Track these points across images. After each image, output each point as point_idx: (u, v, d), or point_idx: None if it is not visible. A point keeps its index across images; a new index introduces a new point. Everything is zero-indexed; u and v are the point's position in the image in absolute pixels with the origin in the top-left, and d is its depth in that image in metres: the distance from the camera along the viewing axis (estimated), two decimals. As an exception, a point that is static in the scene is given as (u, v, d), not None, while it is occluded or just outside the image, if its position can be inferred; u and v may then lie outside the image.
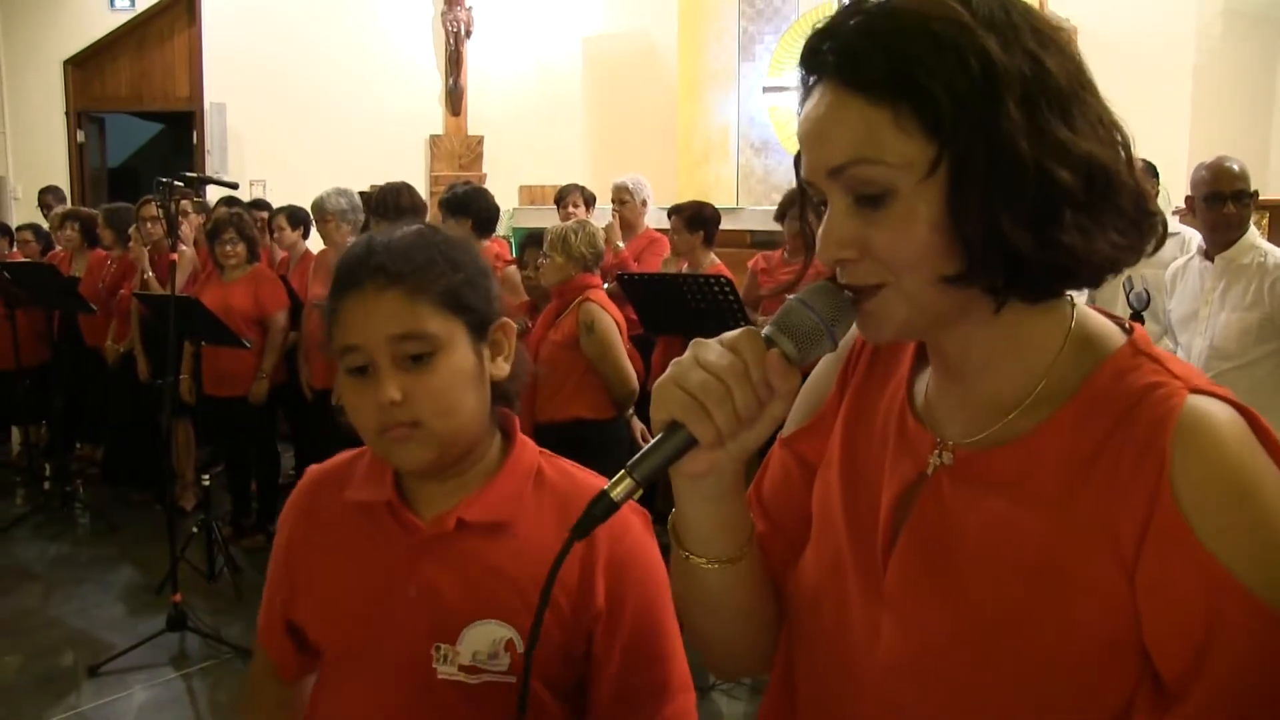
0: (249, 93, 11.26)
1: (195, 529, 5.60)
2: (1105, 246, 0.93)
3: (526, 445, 1.49)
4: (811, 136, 0.96)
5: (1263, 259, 4.04)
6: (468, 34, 12.11)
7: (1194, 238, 4.72)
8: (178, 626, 4.76)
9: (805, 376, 1.10)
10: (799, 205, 1.05)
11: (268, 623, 1.56)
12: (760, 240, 8.40)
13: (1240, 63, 10.65)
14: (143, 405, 6.67)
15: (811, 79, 0.98)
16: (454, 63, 12.13)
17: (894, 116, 0.91)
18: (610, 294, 4.98)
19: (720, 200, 7.06)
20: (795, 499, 1.18)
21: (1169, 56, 9.99)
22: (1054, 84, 0.91)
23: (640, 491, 0.98)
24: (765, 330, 0.98)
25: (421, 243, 1.40)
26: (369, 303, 1.34)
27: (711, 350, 0.96)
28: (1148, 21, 9.94)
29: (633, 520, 1.44)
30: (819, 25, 0.98)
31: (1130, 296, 3.66)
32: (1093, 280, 0.97)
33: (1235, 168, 4.05)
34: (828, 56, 0.95)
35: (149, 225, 6.57)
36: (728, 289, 5.02)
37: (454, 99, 12.22)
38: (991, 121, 0.89)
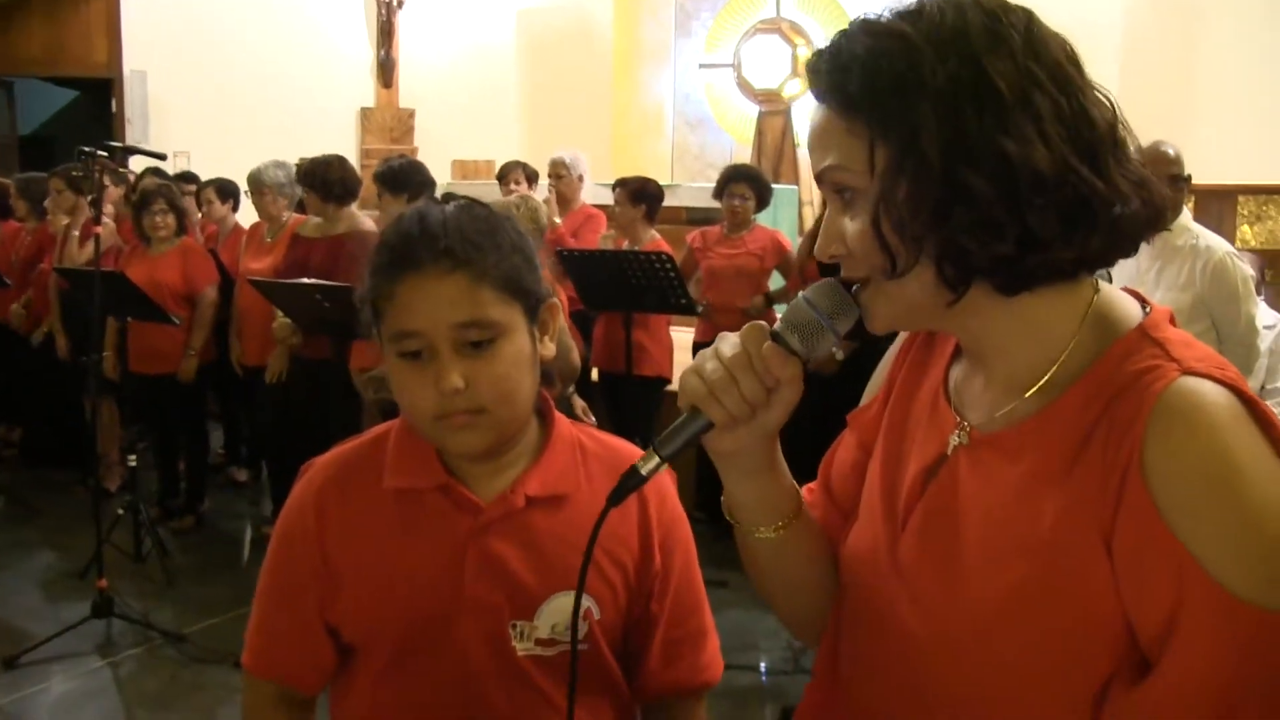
0: (171, 60, 10.96)
1: (121, 511, 5.39)
2: (1005, 249, 0.97)
3: (561, 419, 1.50)
4: (809, 142, 1.08)
5: (1195, 241, 4.12)
6: (399, 4, 11.95)
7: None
8: (103, 613, 4.59)
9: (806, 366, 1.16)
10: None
11: (284, 634, 1.47)
12: (696, 217, 8.36)
13: (1165, 49, 10.79)
14: (63, 384, 6.49)
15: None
16: (385, 34, 11.96)
17: (848, 127, 1.02)
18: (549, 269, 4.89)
19: (655, 176, 7.00)
20: (853, 479, 1.27)
21: (1097, 42, 10.09)
22: (992, 89, 0.96)
23: (666, 465, 1.11)
24: (775, 326, 1.10)
25: (479, 221, 1.36)
26: (431, 287, 1.31)
27: (727, 343, 1.09)
28: (1077, 6, 10.03)
29: (667, 480, 1.49)
30: (822, 49, 1.07)
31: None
32: (1024, 284, 1.01)
33: (1171, 152, 4.13)
34: (822, 74, 1.05)
35: (59, 196, 6.38)
36: (668, 265, 5.02)
37: (385, 71, 12.06)
38: (908, 129, 0.97)
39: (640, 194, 5.85)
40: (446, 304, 1.30)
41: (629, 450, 1.51)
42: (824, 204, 1.19)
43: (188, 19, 10.96)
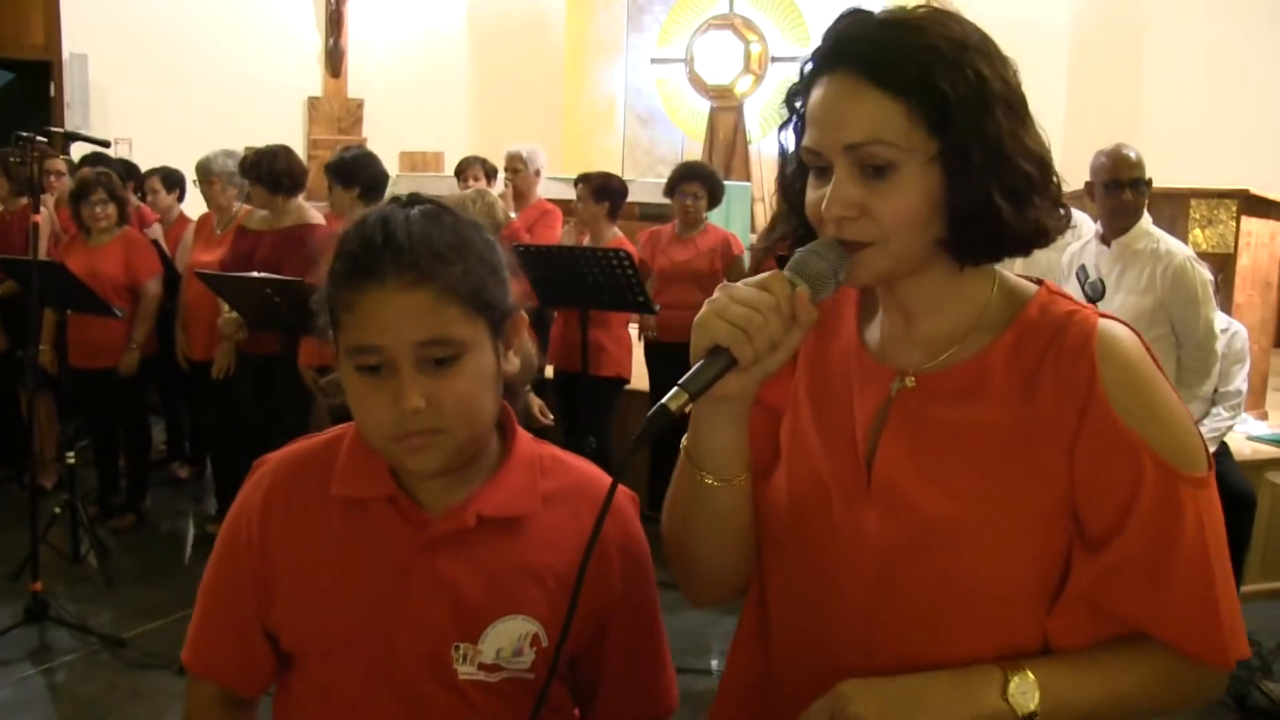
0: (113, 44, 10.74)
1: (58, 510, 5.21)
2: (1053, 222, 1.23)
3: (523, 435, 1.44)
4: (831, 115, 1.20)
5: (1155, 245, 4.14)
6: (349, -9, 11.79)
7: (1084, 222, 4.83)
8: (37, 617, 4.45)
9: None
10: (792, 172, 1.31)
11: (222, 635, 1.43)
12: (648, 213, 8.32)
13: (1113, 53, 10.90)
14: (-3, 377, 6.31)
15: (825, 69, 1.22)
16: (334, 22, 11.82)
17: (906, 109, 1.17)
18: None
19: (606, 171, 6.96)
20: (759, 437, 1.35)
21: (1046, 47, 10.17)
22: (1016, 99, 1.21)
23: (691, 403, 1.16)
24: (786, 274, 1.19)
25: (446, 231, 1.29)
26: (393, 302, 1.24)
27: (743, 290, 1.18)
28: (1025, 8, 10.09)
29: (626, 502, 1.48)
30: (838, 28, 1.23)
31: (1085, 286, 3.70)
32: (1025, 250, 1.24)
33: (1133, 155, 4.15)
34: (855, 48, 1.19)
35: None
36: (626, 262, 4.95)
37: (334, 60, 11.92)
38: (984, 123, 1.17)
39: (603, 190, 5.77)
40: (409, 320, 1.24)
41: (591, 472, 1.48)
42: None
43: (131, 3, 10.75)
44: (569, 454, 1.50)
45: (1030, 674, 1.18)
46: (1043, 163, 1.21)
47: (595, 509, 1.37)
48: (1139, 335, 1.23)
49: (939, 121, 1.17)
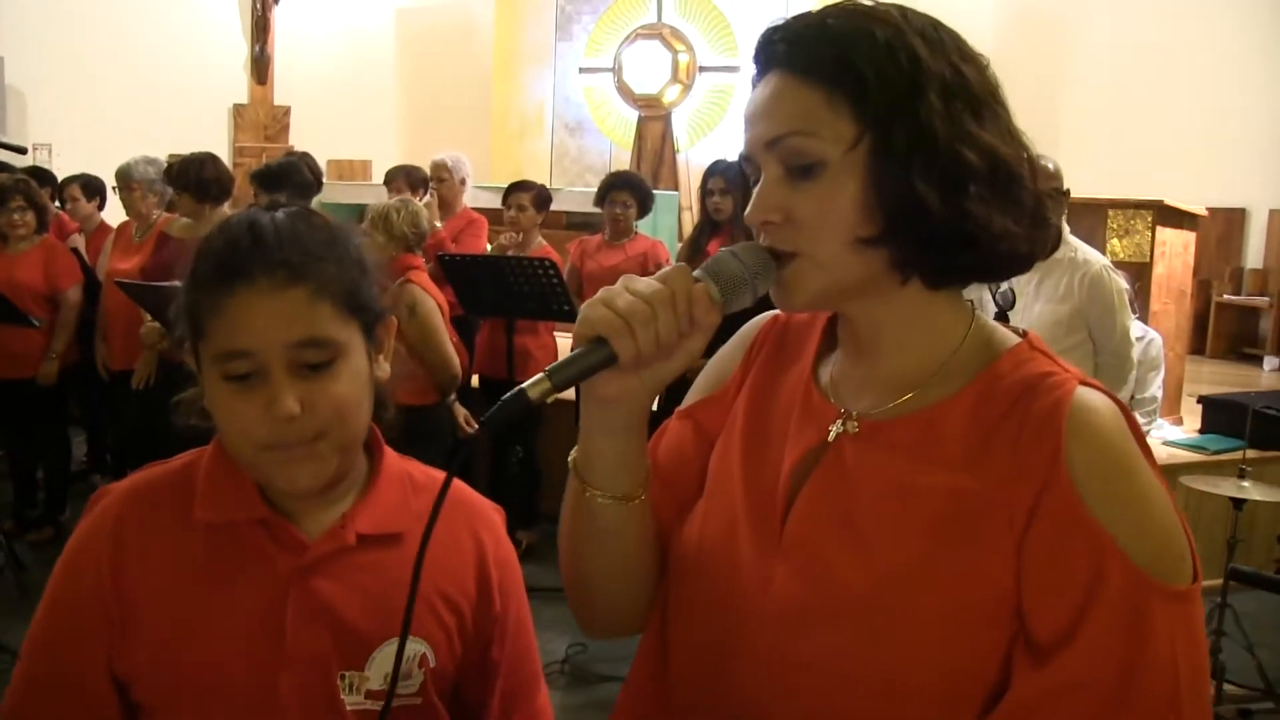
0: (31, 46, 10.56)
1: (-28, 523, 5.14)
2: (1001, 225, 1.05)
3: (389, 451, 1.38)
4: (755, 115, 1.10)
5: (1074, 254, 4.21)
6: (275, -1, 11.69)
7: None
8: (-50, 633, 4.36)
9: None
10: (739, 181, 1.22)
11: (56, 689, 1.27)
12: (576, 222, 8.36)
13: (1033, 63, 11.09)
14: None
15: (761, 71, 1.12)
16: (261, 28, 11.71)
17: (828, 97, 1.05)
18: (430, 275, 4.82)
19: (534, 179, 6.98)
20: (688, 465, 1.26)
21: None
22: (970, 89, 1.07)
23: (555, 394, 1.03)
24: (695, 272, 1.07)
25: (317, 231, 1.24)
26: (264, 303, 1.18)
27: (640, 280, 1.05)
28: (947, 18, 10.24)
29: (497, 519, 1.44)
30: (774, 25, 1.12)
31: (996, 296, 3.75)
32: (992, 270, 1.10)
33: (1051, 166, 4.19)
34: (779, 48, 1.09)
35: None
36: (551, 271, 4.98)
37: (260, 67, 11.81)
38: (913, 106, 1.03)
39: (542, 199, 5.81)
40: (281, 321, 1.18)
41: (466, 493, 1.42)
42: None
43: (50, 4, 10.57)
44: (430, 469, 1.42)
45: None
46: (996, 156, 1.05)
47: (471, 525, 1.38)
48: (1125, 410, 1.06)
49: (861, 102, 1.04)
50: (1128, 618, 0.97)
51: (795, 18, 1.11)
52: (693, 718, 1.18)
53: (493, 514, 1.43)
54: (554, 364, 1.03)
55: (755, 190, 1.10)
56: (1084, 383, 1.05)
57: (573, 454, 1.16)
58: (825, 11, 1.09)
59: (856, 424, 1.13)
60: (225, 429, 1.23)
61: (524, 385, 1.01)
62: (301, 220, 1.25)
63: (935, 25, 1.09)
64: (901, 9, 1.09)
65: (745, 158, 1.13)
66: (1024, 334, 1.14)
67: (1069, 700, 0.97)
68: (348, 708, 1.26)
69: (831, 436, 1.14)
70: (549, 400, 1.03)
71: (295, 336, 1.18)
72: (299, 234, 1.22)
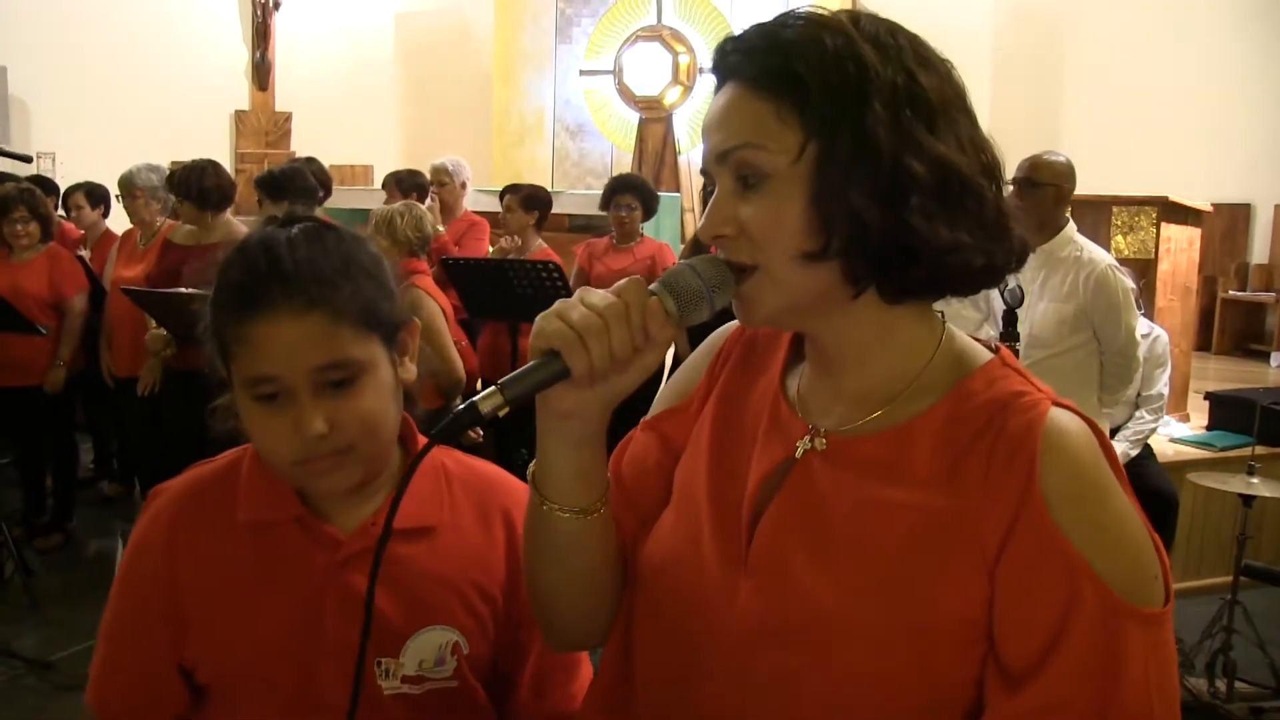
0: (33, 56, 10.58)
1: (-20, 531, 5.14)
2: (950, 239, 1.03)
3: (424, 444, 1.39)
4: (709, 127, 1.09)
5: (1079, 253, 4.15)
6: (276, 5, 11.72)
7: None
8: (-41, 640, 4.37)
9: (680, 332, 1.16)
10: (701, 195, 1.17)
11: (128, 674, 1.39)
12: (578, 224, 8.35)
13: (1034, 61, 11.10)
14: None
15: (719, 82, 1.10)
16: (261, 35, 11.73)
17: (776, 108, 1.03)
18: (433, 278, 4.82)
19: (535, 183, 6.99)
20: (652, 478, 1.25)
21: (968, 55, 10.30)
22: (925, 97, 1.03)
23: (506, 409, 1.02)
24: (652, 286, 1.06)
25: (330, 253, 1.27)
26: (285, 330, 1.22)
27: (595, 294, 1.04)
28: (947, 16, 10.25)
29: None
30: (729, 36, 1.11)
31: (1004, 294, 3.73)
32: (947, 284, 1.08)
33: (1031, 160, 4.20)
34: (732, 59, 1.08)
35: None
36: (555, 274, 4.97)
37: (261, 73, 11.83)
38: (858, 114, 1.01)
39: (532, 200, 5.81)
40: (304, 347, 1.22)
41: (494, 473, 1.47)
42: (701, 205, 1.20)
43: (51, 13, 10.61)
44: (469, 457, 1.47)
45: None
46: (945, 167, 1.02)
47: (503, 506, 1.41)
48: (1097, 431, 1.05)
49: (805, 112, 1.02)
50: (1103, 641, 0.97)
51: (752, 28, 1.09)
52: None
53: (523, 493, 1.42)
54: (507, 377, 1.02)
55: (710, 203, 1.08)
56: (1057, 403, 1.04)
57: (531, 466, 1.15)
58: (780, 20, 1.07)
59: (825, 440, 1.11)
60: (258, 445, 1.29)
61: (475, 399, 1.01)
62: (316, 241, 1.28)
63: (893, 31, 1.06)
64: (855, 15, 1.07)
65: (703, 173, 1.11)
66: (996, 349, 1.13)
67: None
68: (385, 693, 1.33)
69: (799, 453, 1.12)
70: (501, 414, 1.02)
71: (318, 361, 1.23)
72: (314, 259, 1.25)
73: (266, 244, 1.26)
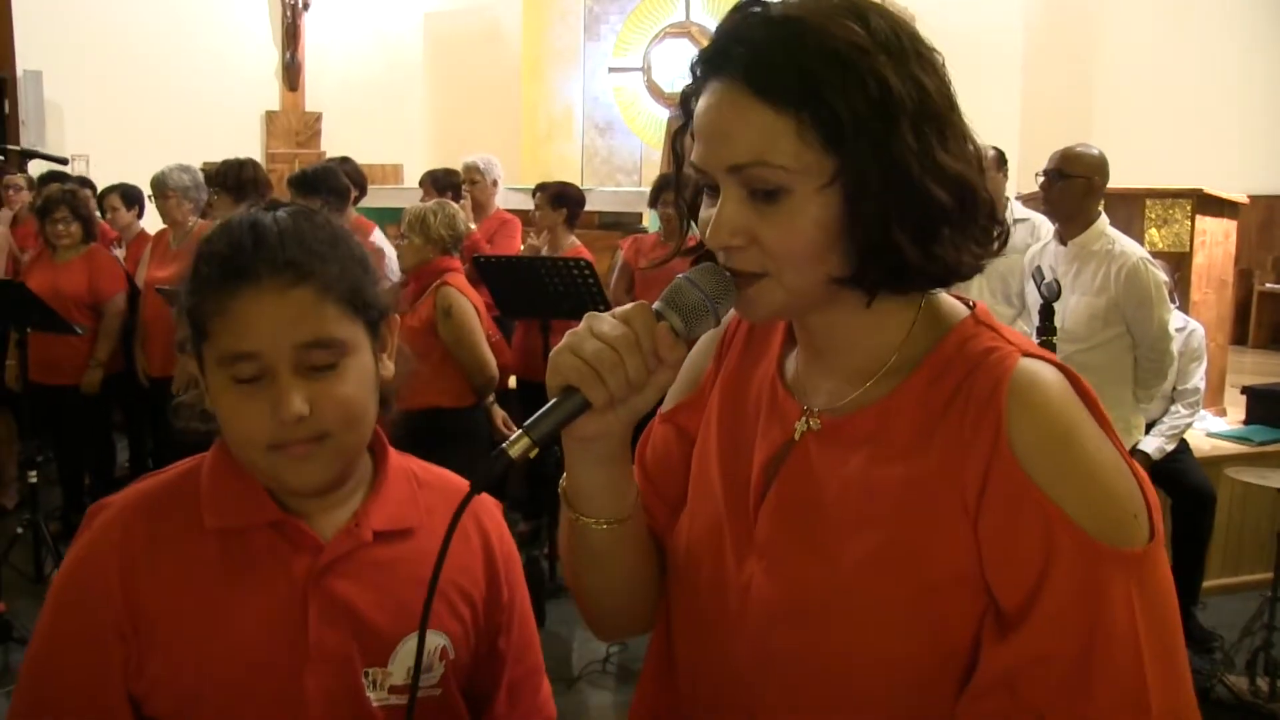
0: (68, 61, 10.65)
1: (20, 529, 5.17)
2: (969, 258, 1.07)
3: (390, 448, 1.38)
4: (715, 132, 1.05)
5: (1111, 246, 4.14)
6: (305, 6, 11.77)
7: (1043, 223, 4.84)
8: (1, 638, 4.41)
9: (690, 347, 1.20)
10: (674, 187, 1.18)
11: (64, 711, 1.23)
12: (608, 221, 8.34)
13: (1066, 55, 11.01)
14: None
15: (709, 73, 1.06)
16: (291, 36, 11.78)
17: (797, 126, 1.00)
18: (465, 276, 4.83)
19: (565, 180, 6.99)
20: (675, 468, 1.28)
21: (999, 51, 10.27)
22: (934, 108, 1.03)
23: (535, 450, 1.03)
24: (655, 306, 1.07)
25: (319, 230, 1.23)
26: (270, 303, 1.17)
27: (605, 322, 1.05)
28: (979, 12, 10.20)
29: (497, 510, 1.45)
30: (724, 26, 1.06)
31: (1041, 287, 3.70)
32: (935, 285, 1.11)
33: (1063, 151, 4.19)
34: (738, 59, 1.03)
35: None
36: (587, 271, 4.96)
37: (291, 74, 11.88)
38: (886, 142, 1.00)
39: (559, 197, 5.80)
40: (289, 322, 1.17)
41: (459, 482, 1.40)
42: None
43: (85, 18, 10.69)
44: (430, 465, 1.44)
45: None
46: (963, 186, 1.04)
47: (477, 517, 1.39)
48: (1073, 377, 1.06)
49: (834, 140, 1.00)
50: (1083, 588, 0.98)
51: (750, 19, 1.04)
52: (701, 713, 1.21)
53: (493, 506, 1.44)
54: (532, 418, 1.04)
55: (715, 210, 1.06)
56: (1027, 354, 1.06)
57: (562, 482, 1.18)
58: (788, 18, 1.02)
59: (819, 421, 1.14)
60: (230, 431, 1.22)
61: (504, 445, 1.03)
62: (304, 219, 1.23)
63: (896, 31, 1.04)
64: (861, 11, 1.03)
65: (698, 169, 1.08)
66: (973, 306, 1.14)
67: (1034, 673, 0.98)
68: (374, 704, 1.27)
69: (797, 435, 1.15)
70: (532, 455, 1.03)
71: (302, 337, 1.17)
72: (301, 233, 1.21)
73: (253, 220, 1.22)
